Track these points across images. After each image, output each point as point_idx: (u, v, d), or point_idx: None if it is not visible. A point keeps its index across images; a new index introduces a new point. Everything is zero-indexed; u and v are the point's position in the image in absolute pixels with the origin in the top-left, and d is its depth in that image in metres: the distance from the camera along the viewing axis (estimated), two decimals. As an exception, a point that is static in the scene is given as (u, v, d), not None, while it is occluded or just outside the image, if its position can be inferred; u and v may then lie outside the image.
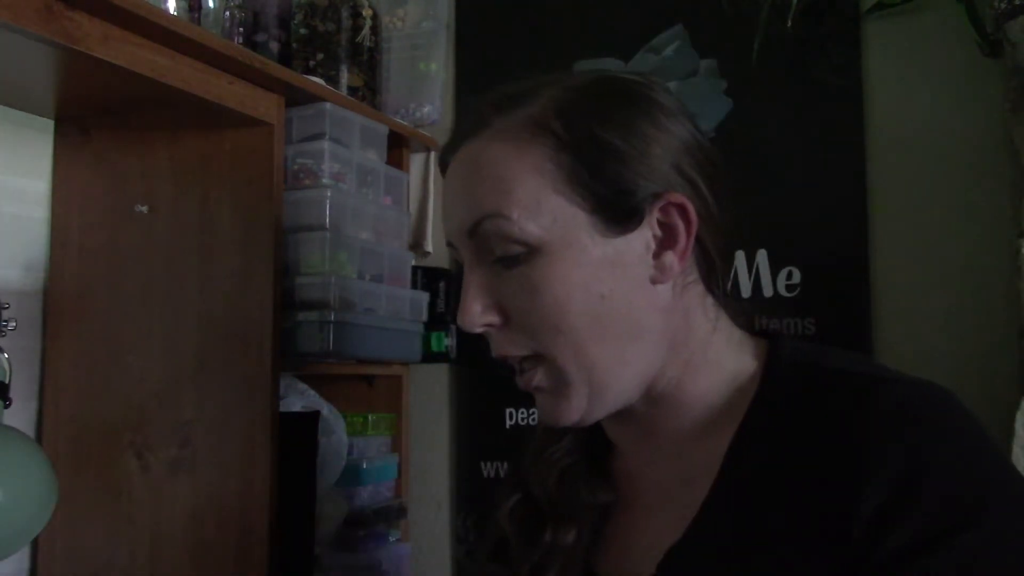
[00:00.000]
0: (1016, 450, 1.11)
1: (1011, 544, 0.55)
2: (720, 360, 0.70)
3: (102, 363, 1.27)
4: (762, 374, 0.68)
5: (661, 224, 0.66)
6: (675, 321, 0.68)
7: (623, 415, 0.70)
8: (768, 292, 1.45)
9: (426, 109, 1.66)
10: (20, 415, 1.25)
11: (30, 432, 1.28)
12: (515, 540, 0.77)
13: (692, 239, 0.66)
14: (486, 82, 1.64)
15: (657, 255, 0.67)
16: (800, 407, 0.64)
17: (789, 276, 1.44)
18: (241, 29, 1.45)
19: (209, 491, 1.20)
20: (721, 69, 1.50)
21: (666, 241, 0.67)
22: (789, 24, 1.44)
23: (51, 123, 1.33)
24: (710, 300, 0.71)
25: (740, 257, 1.46)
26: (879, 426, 0.59)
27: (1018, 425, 1.11)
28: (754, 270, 1.46)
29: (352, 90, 1.51)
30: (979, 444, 0.59)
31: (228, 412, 1.20)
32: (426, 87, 1.66)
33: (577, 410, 0.67)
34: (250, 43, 1.47)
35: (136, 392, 1.25)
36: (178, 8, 1.25)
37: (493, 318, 0.67)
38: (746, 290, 1.46)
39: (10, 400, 0.99)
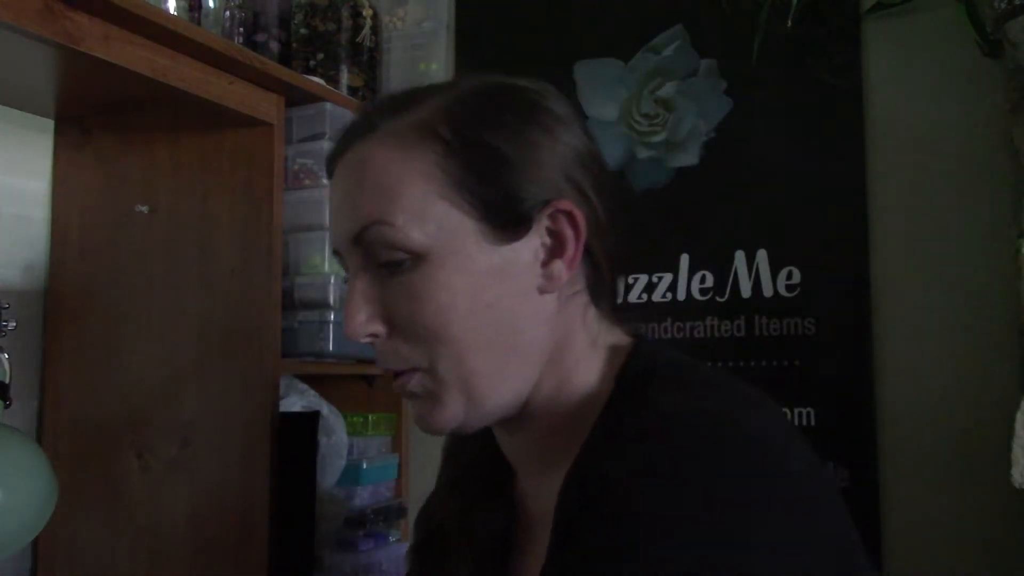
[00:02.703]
0: (1016, 450, 1.11)
1: None
2: (590, 377, 0.67)
3: (102, 363, 1.27)
4: (605, 401, 0.65)
5: (550, 232, 0.65)
6: (557, 333, 0.66)
7: (509, 430, 0.69)
8: (768, 292, 1.45)
9: (426, 109, 1.66)
10: (20, 415, 1.25)
11: (30, 432, 1.28)
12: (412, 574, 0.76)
13: (581, 247, 0.65)
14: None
15: (545, 263, 0.65)
16: (605, 438, 0.60)
17: (789, 276, 1.44)
18: (241, 29, 1.45)
19: (209, 491, 1.20)
20: (721, 69, 1.50)
21: (554, 249, 0.65)
22: (789, 24, 1.44)
23: (51, 123, 1.33)
24: (592, 312, 0.69)
25: (740, 257, 1.46)
26: (615, 443, 0.56)
27: (1018, 425, 1.11)
28: (754, 270, 1.46)
29: (352, 90, 1.51)
30: (693, 500, 0.52)
31: (228, 412, 1.20)
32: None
33: (453, 418, 0.65)
34: (250, 43, 1.47)
35: (136, 392, 1.25)
36: (178, 8, 1.25)
37: (378, 327, 0.65)
38: (746, 290, 1.46)
39: (10, 400, 0.99)
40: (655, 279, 1.50)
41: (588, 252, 0.66)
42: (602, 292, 0.69)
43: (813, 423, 1.40)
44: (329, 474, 1.36)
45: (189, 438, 1.21)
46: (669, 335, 1.49)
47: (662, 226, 1.51)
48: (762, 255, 1.46)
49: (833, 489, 0.59)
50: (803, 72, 1.46)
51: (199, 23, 1.36)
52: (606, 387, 0.65)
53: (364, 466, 1.45)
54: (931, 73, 1.40)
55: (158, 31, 1.04)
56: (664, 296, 1.50)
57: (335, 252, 0.69)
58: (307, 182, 1.31)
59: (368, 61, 1.55)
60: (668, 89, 1.53)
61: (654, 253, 1.51)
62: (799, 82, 1.46)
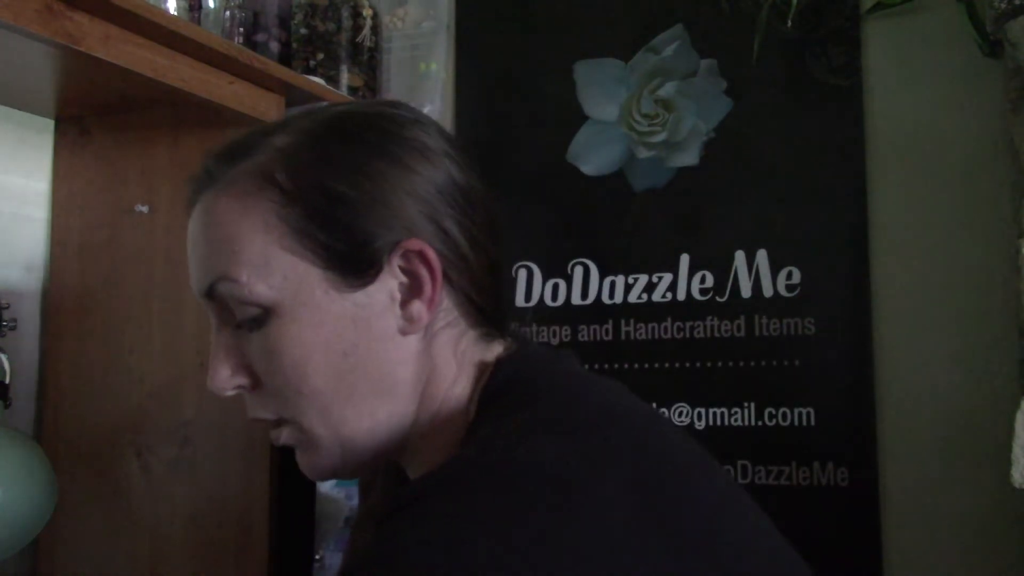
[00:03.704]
0: (1016, 450, 1.11)
1: None
2: (457, 406, 0.65)
3: (102, 363, 1.27)
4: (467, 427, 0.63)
5: (405, 272, 0.62)
6: (426, 369, 0.64)
7: (402, 462, 0.68)
8: (768, 292, 1.45)
9: (426, 109, 1.66)
10: (20, 415, 1.25)
11: (30, 432, 1.28)
12: None
13: (438, 286, 0.62)
14: (486, 82, 1.65)
15: (404, 304, 0.63)
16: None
17: (789, 276, 1.44)
18: (241, 29, 1.45)
19: (209, 491, 1.20)
20: (721, 69, 1.50)
21: (412, 289, 0.63)
22: (789, 24, 1.44)
23: (51, 123, 1.33)
24: (469, 336, 0.66)
25: (740, 257, 1.47)
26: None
27: (1018, 425, 1.11)
28: (754, 270, 1.46)
29: (352, 90, 1.51)
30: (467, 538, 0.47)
31: (228, 412, 1.20)
32: (426, 87, 1.66)
33: (332, 467, 0.64)
34: (250, 43, 1.47)
35: (136, 392, 1.25)
36: (178, 8, 1.25)
37: (243, 380, 0.64)
38: (746, 290, 1.46)
39: (10, 400, 0.99)
40: (655, 279, 1.50)
41: (453, 284, 0.64)
42: (478, 315, 0.66)
43: (813, 423, 1.40)
44: (329, 474, 1.36)
45: (189, 438, 1.21)
46: (669, 335, 1.49)
47: (662, 226, 1.51)
48: (762, 255, 1.46)
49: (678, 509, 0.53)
50: (803, 72, 1.46)
51: (199, 23, 1.36)
52: (471, 410, 0.64)
53: (364, 466, 1.45)
54: (931, 73, 1.40)
55: (158, 31, 1.04)
56: (664, 296, 1.50)
57: (199, 300, 0.67)
58: (307, 182, 1.31)
59: (368, 61, 1.55)
60: (668, 89, 1.53)
61: (654, 253, 1.51)
62: (799, 82, 1.46)
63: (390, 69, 1.67)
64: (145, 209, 1.27)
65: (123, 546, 1.23)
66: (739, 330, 1.46)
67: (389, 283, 0.62)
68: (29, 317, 1.28)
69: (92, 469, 1.26)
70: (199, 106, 1.17)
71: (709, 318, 1.47)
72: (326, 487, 1.36)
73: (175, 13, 1.23)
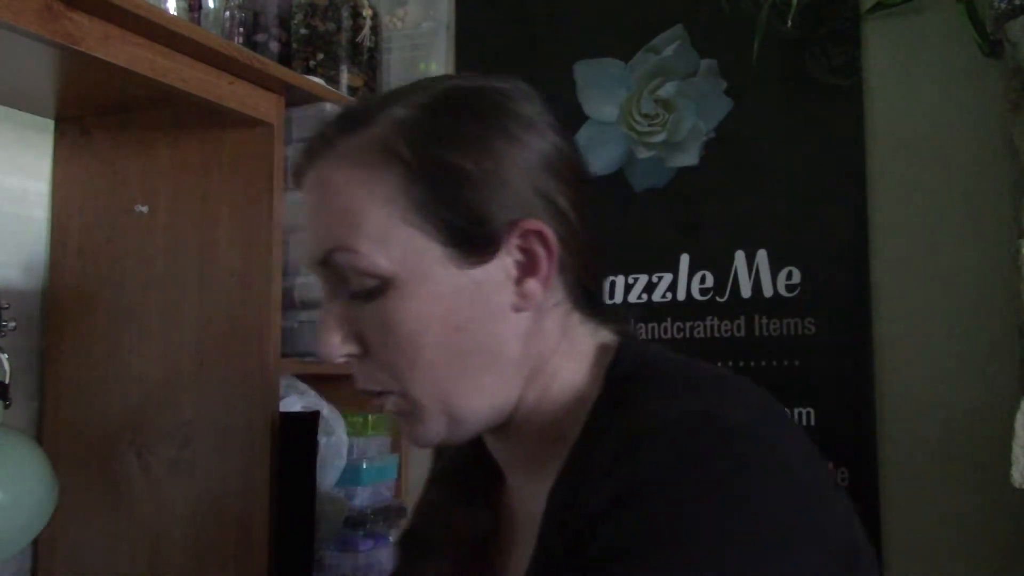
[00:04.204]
0: (1016, 450, 1.11)
1: None
2: (575, 382, 0.66)
3: (102, 363, 1.27)
4: (594, 402, 0.64)
5: (521, 250, 0.63)
6: (535, 347, 0.65)
7: (496, 437, 0.69)
8: (768, 292, 1.45)
9: (426, 109, 1.66)
10: (20, 415, 1.25)
11: (30, 432, 1.28)
12: (399, 572, 0.76)
13: (554, 264, 0.63)
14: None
15: (519, 282, 0.63)
16: (594, 439, 0.60)
17: (789, 276, 1.44)
18: (241, 29, 1.45)
19: (209, 491, 1.20)
20: (721, 69, 1.50)
21: (527, 267, 0.63)
22: (789, 24, 1.44)
23: (51, 123, 1.33)
24: (576, 317, 0.68)
25: (740, 257, 1.47)
26: (621, 448, 0.55)
27: (1018, 425, 1.11)
28: (754, 270, 1.46)
29: (352, 90, 1.51)
30: (717, 490, 0.52)
31: (228, 412, 1.20)
32: (426, 87, 1.66)
33: (436, 435, 0.65)
34: (250, 43, 1.47)
35: (136, 392, 1.25)
36: (178, 8, 1.25)
37: (353, 348, 0.65)
38: (746, 290, 1.46)
39: (10, 400, 0.99)
40: (655, 279, 1.50)
41: (563, 263, 0.64)
42: (584, 296, 0.68)
43: (813, 423, 1.40)
44: (329, 474, 1.36)
45: (189, 438, 1.21)
46: (669, 335, 1.49)
47: (662, 226, 1.51)
48: (762, 255, 1.46)
49: (833, 485, 0.59)
50: (803, 72, 1.46)
51: (199, 23, 1.36)
52: (594, 389, 0.65)
53: (364, 466, 1.45)
54: (931, 73, 1.40)
55: (158, 31, 1.04)
56: (664, 296, 1.50)
57: (308, 268, 0.69)
58: (307, 182, 1.31)
59: (368, 61, 1.55)
60: (668, 89, 1.53)
61: (654, 253, 1.51)
62: (799, 82, 1.46)
63: (390, 69, 1.67)
64: (145, 209, 1.27)
65: (123, 546, 1.23)
66: (739, 330, 1.46)
67: (505, 261, 0.63)
68: (29, 317, 1.28)
69: (92, 469, 1.26)
70: (199, 106, 1.17)
71: (709, 318, 1.47)
72: (326, 487, 1.36)
73: (175, 13, 1.23)
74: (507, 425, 0.67)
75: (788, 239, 1.44)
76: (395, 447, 1.59)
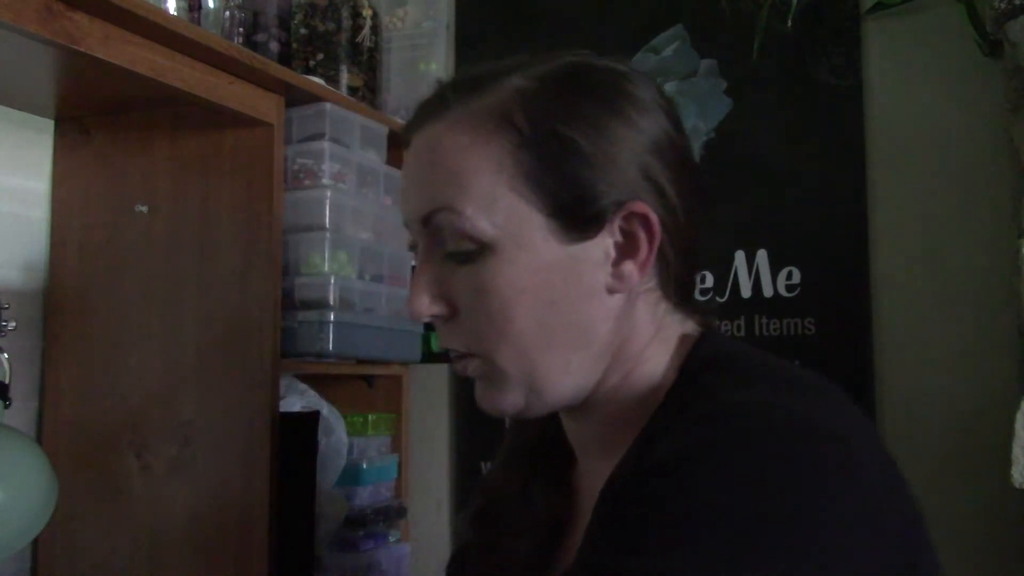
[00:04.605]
0: (1016, 450, 1.11)
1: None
2: (654, 369, 0.66)
3: (102, 363, 1.27)
4: (667, 390, 0.65)
5: (623, 232, 0.63)
6: (623, 330, 0.65)
7: (572, 417, 0.69)
8: (768, 292, 1.45)
9: (426, 109, 1.66)
10: (20, 415, 1.25)
11: (30, 432, 1.28)
12: (474, 549, 0.75)
13: (654, 250, 0.63)
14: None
15: (616, 263, 0.63)
16: (660, 426, 0.60)
17: (789, 276, 1.44)
18: (241, 29, 1.45)
19: (209, 491, 1.20)
20: (721, 69, 1.51)
21: (627, 250, 0.63)
22: (789, 24, 1.44)
23: (51, 123, 1.33)
24: (664, 305, 0.67)
25: (740, 257, 1.47)
26: (679, 430, 0.56)
27: (1018, 425, 1.11)
28: (754, 270, 1.46)
29: (352, 90, 1.51)
30: (762, 488, 0.51)
31: (228, 412, 1.20)
32: (426, 87, 1.66)
33: (513, 404, 0.65)
34: (250, 43, 1.47)
35: (136, 392, 1.25)
36: (178, 8, 1.25)
37: (441, 309, 0.65)
38: (746, 290, 1.46)
39: (10, 400, 0.99)
40: (655, 279, 1.50)
41: (661, 250, 0.64)
42: (674, 285, 0.68)
43: (813, 423, 1.40)
44: (329, 474, 1.36)
45: (189, 438, 1.21)
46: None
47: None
48: (762, 255, 1.46)
49: (900, 490, 0.59)
50: (803, 72, 1.46)
51: (199, 23, 1.36)
52: (670, 378, 0.65)
53: (364, 466, 1.45)
54: (931, 73, 1.40)
55: (158, 31, 1.03)
56: (664, 296, 1.49)
57: (405, 224, 0.68)
58: (307, 182, 1.31)
59: (368, 61, 1.55)
60: (668, 89, 1.53)
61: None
62: (799, 82, 1.46)
63: (390, 69, 1.67)
64: (145, 209, 1.27)
65: (123, 546, 1.23)
66: (739, 330, 1.46)
67: (606, 240, 0.63)
68: (29, 317, 1.28)
69: (92, 469, 1.26)
70: (199, 106, 1.17)
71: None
72: (326, 487, 1.36)
73: (175, 13, 1.23)
74: (584, 406, 0.67)
75: (788, 239, 1.44)
76: (395, 447, 1.59)
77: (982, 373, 1.32)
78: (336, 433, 1.38)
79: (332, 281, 1.27)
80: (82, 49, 0.97)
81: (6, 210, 1.27)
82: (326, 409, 1.38)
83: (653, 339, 0.67)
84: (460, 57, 1.69)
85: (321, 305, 1.27)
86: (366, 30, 1.54)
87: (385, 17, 1.66)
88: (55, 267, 1.31)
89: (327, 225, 1.29)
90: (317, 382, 1.42)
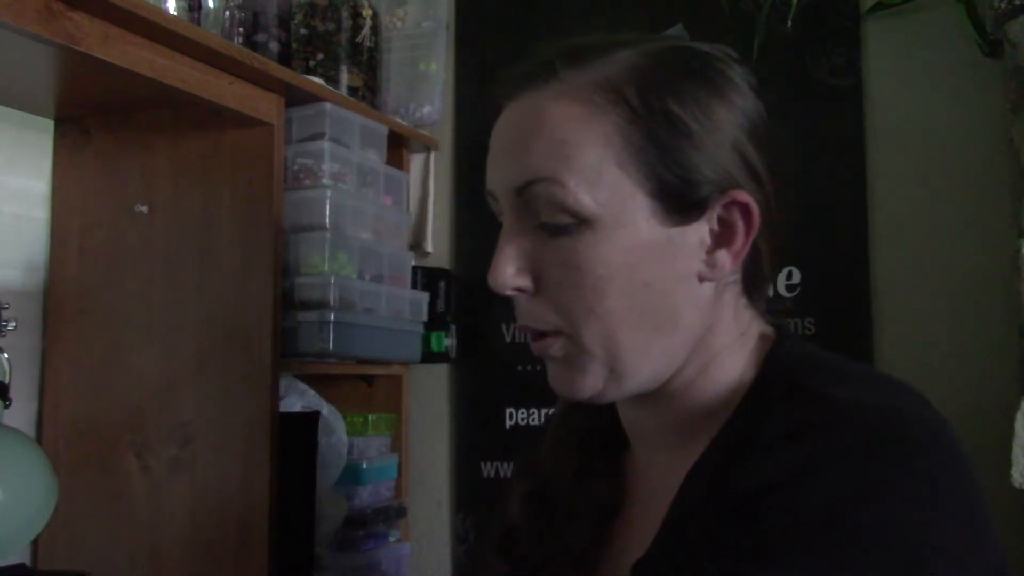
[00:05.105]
0: (1016, 450, 1.11)
1: None
2: (732, 365, 0.65)
3: (102, 363, 1.27)
4: (749, 386, 0.64)
5: (720, 220, 0.63)
6: (708, 320, 0.64)
7: (637, 405, 0.68)
8: (768, 292, 1.45)
9: (426, 109, 1.66)
10: (20, 415, 1.25)
11: (30, 432, 1.28)
12: (526, 531, 0.74)
13: (750, 240, 0.63)
14: (486, 82, 1.65)
15: (711, 251, 0.63)
16: (753, 424, 0.59)
17: (789, 276, 1.44)
18: (241, 29, 1.45)
19: (209, 491, 1.20)
20: (721, 69, 1.50)
21: (722, 238, 0.63)
22: (789, 24, 1.44)
23: (51, 123, 1.33)
24: (743, 301, 0.67)
25: (740, 257, 1.46)
26: (777, 437, 0.55)
27: (1018, 425, 1.11)
28: (754, 270, 1.46)
29: (352, 90, 1.51)
30: (874, 490, 0.51)
31: (228, 412, 1.20)
32: (426, 87, 1.66)
33: (591, 388, 0.64)
34: (250, 43, 1.47)
35: (136, 392, 1.25)
36: (178, 8, 1.25)
37: (525, 282, 0.63)
38: (746, 290, 1.46)
39: (10, 400, 0.99)
40: (655, 279, 1.50)
41: (754, 241, 0.64)
42: (756, 281, 0.67)
43: (813, 423, 1.40)
44: (329, 474, 1.36)
45: (189, 438, 1.21)
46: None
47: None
48: (762, 255, 1.45)
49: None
50: (803, 72, 1.46)
51: (199, 23, 1.35)
52: (749, 374, 0.65)
53: (364, 466, 1.45)
54: (931, 73, 1.40)
55: (158, 31, 1.04)
56: (664, 296, 1.49)
57: (488, 193, 0.67)
58: (307, 182, 1.31)
59: (368, 61, 1.55)
60: (668, 89, 1.53)
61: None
62: (799, 82, 1.46)
63: (390, 69, 1.67)
64: (145, 209, 1.27)
65: (123, 546, 1.23)
66: (739, 330, 1.45)
67: (703, 227, 0.62)
68: (29, 317, 1.28)
69: (92, 469, 1.26)
70: (199, 106, 1.17)
71: (709, 318, 1.47)
72: (326, 487, 1.36)
73: (175, 13, 1.23)
74: (655, 395, 0.66)
75: (788, 239, 1.44)
76: (395, 447, 1.59)
77: (982, 373, 1.32)
78: (336, 433, 1.38)
79: (332, 281, 1.27)
80: (82, 49, 0.97)
81: (6, 210, 1.27)
82: (326, 409, 1.38)
83: (734, 333, 0.66)
84: (460, 57, 1.69)
85: (321, 305, 1.27)
86: (366, 30, 1.54)
87: (385, 17, 1.66)
88: (55, 267, 1.31)
89: (327, 225, 1.29)
90: (317, 382, 1.42)
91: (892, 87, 1.42)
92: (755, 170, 0.63)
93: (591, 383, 0.64)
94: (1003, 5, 1.22)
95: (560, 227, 0.61)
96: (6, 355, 1.00)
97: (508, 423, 1.60)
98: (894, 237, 1.40)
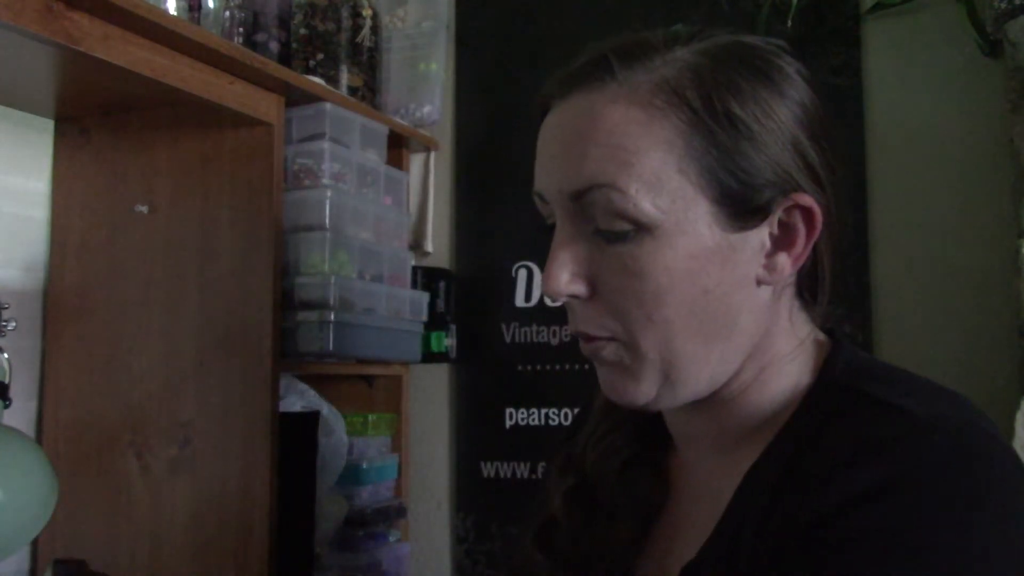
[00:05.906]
0: (1016, 450, 1.11)
1: None
2: (789, 371, 0.64)
3: (102, 363, 1.27)
4: (805, 393, 0.63)
5: (781, 223, 0.61)
6: (765, 324, 0.63)
7: (686, 408, 0.66)
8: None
9: (426, 109, 1.66)
10: (20, 415, 1.25)
11: (30, 432, 1.28)
12: (568, 526, 0.72)
13: (811, 243, 0.61)
14: (486, 82, 1.65)
15: (770, 255, 0.61)
16: (817, 432, 0.59)
17: (789, 276, 1.44)
18: (241, 29, 1.45)
19: (209, 491, 1.20)
20: (721, 69, 1.50)
21: (782, 242, 0.61)
22: (789, 24, 1.44)
23: (51, 123, 1.33)
24: (798, 305, 0.66)
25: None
26: (857, 450, 0.55)
27: (1018, 425, 1.11)
28: (754, 270, 1.46)
29: (352, 90, 1.51)
30: (955, 511, 0.51)
31: (228, 412, 1.20)
32: (426, 87, 1.66)
33: (645, 395, 0.63)
34: (250, 43, 1.47)
35: (136, 392, 1.25)
36: (178, 8, 1.25)
37: (580, 288, 0.62)
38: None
39: (10, 400, 0.99)
40: (655, 279, 1.50)
41: (814, 245, 0.62)
42: (811, 286, 0.66)
43: (813, 423, 1.40)
44: (329, 474, 1.36)
45: (189, 438, 1.21)
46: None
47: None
48: (762, 255, 1.46)
49: None
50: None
51: (199, 23, 1.35)
52: (805, 379, 0.64)
53: (364, 466, 1.45)
54: (931, 73, 1.40)
55: (158, 31, 1.04)
56: (664, 296, 1.49)
57: (537, 195, 0.65)
58: (307, 182, 1.31)
59: (368, 61, 1.55)
60: (668, 89, 1.53)
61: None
62: (799, 82, 1.46)
63: (390, 69, 1.67)
64: (145, 209, 1.27)
65: (123, 546, 1.23)
66: (739, 330, 1.45)
67: (764, 231, 0.61)
68: (29, 317, 1.28)
69: (92, 469, 1.26)
70: (199, 106, 1.17)
71: (709, 318, 1.47)
72: (326, 487, 1.36)
73: (175, 13, 1.23)
74: (709, 400, 0.64)
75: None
76: (395, 447, 1.59)
77: (982, 373, 1.32)
78: (336, 433, 1.38)
79: (332, 281, 1.27)
80: (82, 49, 0.97)
81: (6, 210, 1.27)
82: (326, 409, 1.38)
83: (790, 337, 0.65)
84: (460, 57, 1.69)
85: (321, 305, 1.27)
86: (366, 30, 1.54)
87: (385, 17, 1.66)
88: (55, 267, 1.31)
89: (327, 225, 1.29)
90: (317, 382, 1.42)
91: (892, 87, 1.42)
92: (815, 170, 0.62)
93: (645, 390, 0.63)
94: (1003, 5, 1.22)
95: (618, 234, 0.60)
96: (6, 355, 1.00)
97: (508, 423, 1.60)
98: (894, 237, 1.40)
